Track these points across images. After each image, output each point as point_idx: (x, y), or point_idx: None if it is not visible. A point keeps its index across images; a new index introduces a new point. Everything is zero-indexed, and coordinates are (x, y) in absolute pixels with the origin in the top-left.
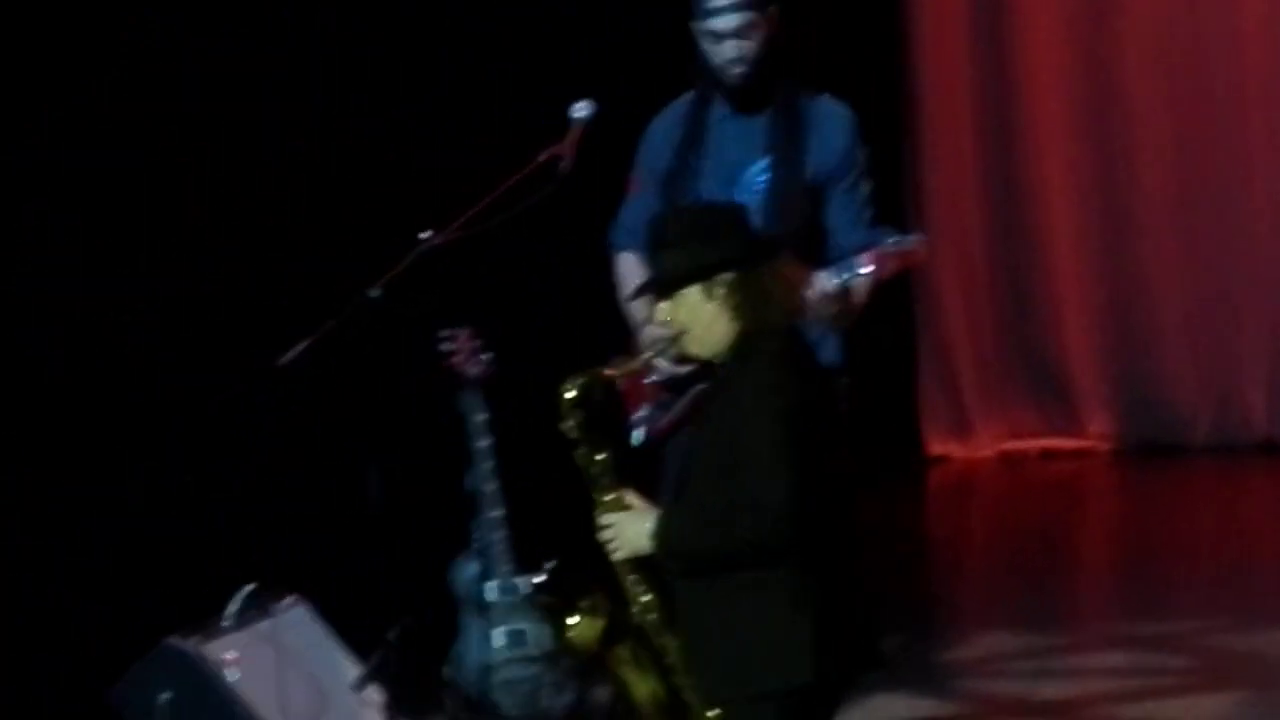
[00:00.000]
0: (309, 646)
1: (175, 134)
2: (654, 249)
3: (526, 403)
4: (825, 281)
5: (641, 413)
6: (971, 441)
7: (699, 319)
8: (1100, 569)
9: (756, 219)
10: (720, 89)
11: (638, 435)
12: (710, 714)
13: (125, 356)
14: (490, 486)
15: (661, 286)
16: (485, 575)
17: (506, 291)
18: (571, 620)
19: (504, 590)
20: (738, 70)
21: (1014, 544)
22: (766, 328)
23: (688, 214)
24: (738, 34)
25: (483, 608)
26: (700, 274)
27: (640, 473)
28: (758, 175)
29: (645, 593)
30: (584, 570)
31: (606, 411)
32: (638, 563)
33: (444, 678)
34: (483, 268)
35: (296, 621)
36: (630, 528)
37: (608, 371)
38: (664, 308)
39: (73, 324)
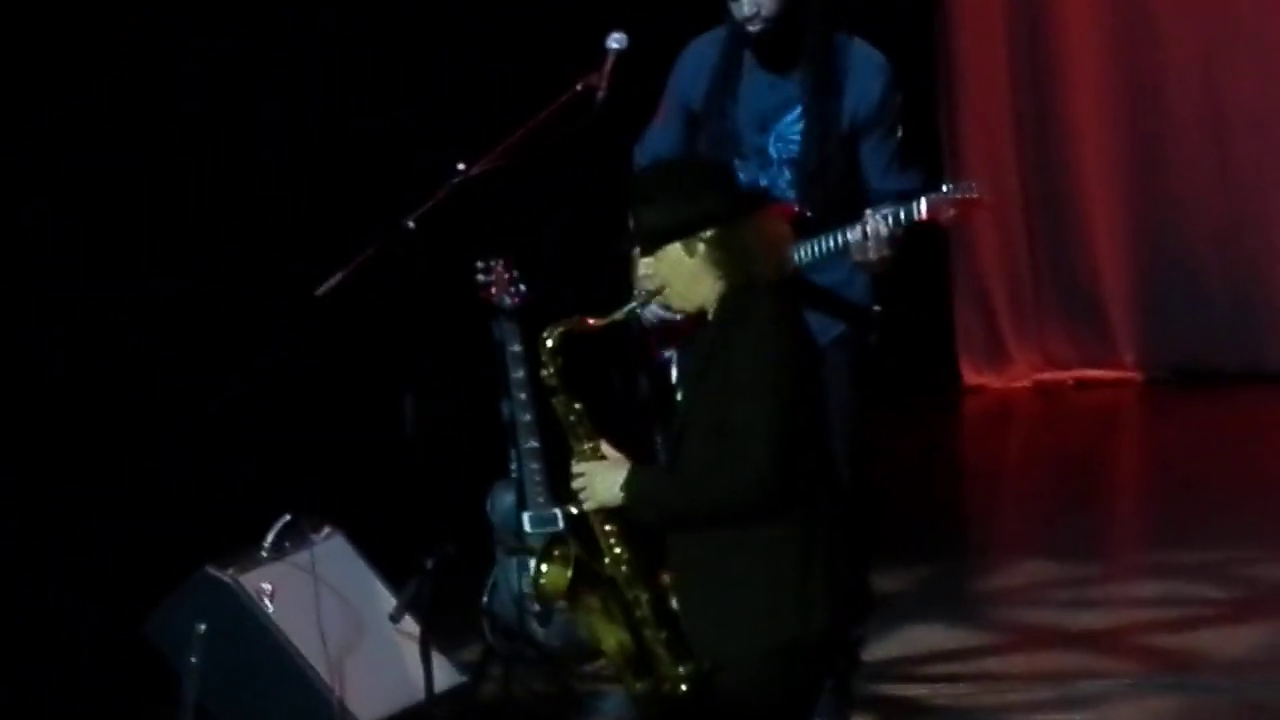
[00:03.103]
0: (346, 577)
1: (175, 134)
2: (636, 203)
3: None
4: (879, 223)
5: (672, 353)
6: (1007, 371)
7: (680, 275)
8: (1135, 499)
9: (793, 169)
10: (745, 42)
11: (676, 374)
12: (681, 669)
13: (125, 356)
14: (526, 416)
15: (643, 241)
16: (521, 505)
17: (542, 221)
18: (542, 567)
19: (539, 520)
20: (755, 27)
21: (1049, 474)
22: (752, 284)
23: (669, 169)
24: None
25: (519, 537)
26: (680, 231)
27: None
28: (792, 125)
29: (617, 545)
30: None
31: (632, 351)
32: (611, 514)
33: (481, 608)
34: (518, 198)
35: (333, 552)
36: (601, 479)
37: (590, 321)
38: (647, 262)
39: (73, 324)
